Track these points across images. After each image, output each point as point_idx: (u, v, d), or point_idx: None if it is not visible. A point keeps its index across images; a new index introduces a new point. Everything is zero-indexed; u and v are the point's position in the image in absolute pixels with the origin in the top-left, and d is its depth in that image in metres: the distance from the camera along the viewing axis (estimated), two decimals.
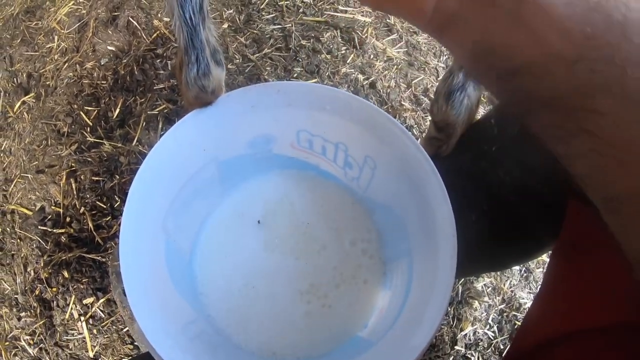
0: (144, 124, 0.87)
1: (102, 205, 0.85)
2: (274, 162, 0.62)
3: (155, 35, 1.00)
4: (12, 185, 0.94)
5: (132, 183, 0.48)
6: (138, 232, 0.48)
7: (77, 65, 1.00)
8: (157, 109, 0.89)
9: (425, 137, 0.72)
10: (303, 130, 0.59)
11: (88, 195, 0.86)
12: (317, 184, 0.63)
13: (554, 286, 0.50)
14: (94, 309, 0.81)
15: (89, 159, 0.87)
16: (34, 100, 1.01)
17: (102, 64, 0.99)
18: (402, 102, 0.89)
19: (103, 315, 0.81)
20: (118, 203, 0.84)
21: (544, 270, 0.79)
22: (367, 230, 0.61)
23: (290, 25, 0.97)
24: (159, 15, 1.02)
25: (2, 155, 0.99)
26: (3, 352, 0.81)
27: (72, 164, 0.88)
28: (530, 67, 0.24)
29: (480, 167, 0.67)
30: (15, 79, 1.08)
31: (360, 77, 0.91)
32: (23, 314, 0.86)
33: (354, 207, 0.62)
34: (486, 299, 0.83)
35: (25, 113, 1.00)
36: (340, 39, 0.95)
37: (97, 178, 0.86)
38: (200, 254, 0.59)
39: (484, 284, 0.84)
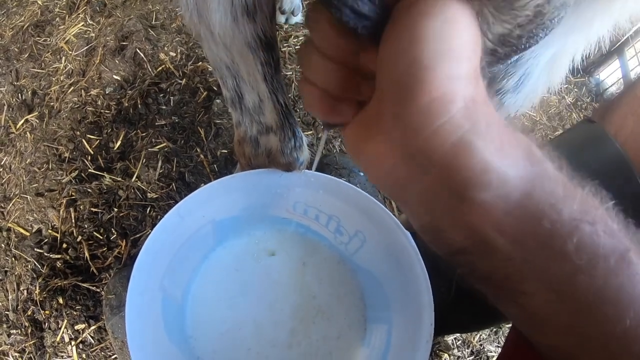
0: (144, 160, 0.91)
1: (99, 236, 0.89)
2: (267, 220, 0.67)
3: (160, 68, 1.03)
4: (11, 204, 0.97)
5: (138, 256, 0.54)
6: (141, 297, 0.54)
7: (82, 91, 1.03)
8: (158, 147, 0.93)
9: None
10: (300, 202, 0.64)
11: (86, 225, 0.90)
12: (307, 240, 0.69)
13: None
14: (84, 334, 0.85)
15: (89, 190, 0.91)
16: (37, 121, 1.04)
17: (106, 92, 1.02)
18: None
19: (93, 342, 0.86)
20: (115, 235, 0.88)
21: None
22: (352, 288, 0.67)
23: (291, 72, 1.01)
24: (165, 48, 1.05)
25: (1, 170, 1.02)
26: None
27: (72, 193, 0.92)
28: (466, 252, 0.28)
29: None
30: (20, 94, 1.10)
31: None
32: (13, 331, 0.90)
33: (339, 265, 0.68)
34: (456, 351, 0.89)
35: (28, 133, 1.03)
36: None
37: (95, 209, 0.90)
38: (191, 301, 0.65)
39: (454, 338, 0.90)
